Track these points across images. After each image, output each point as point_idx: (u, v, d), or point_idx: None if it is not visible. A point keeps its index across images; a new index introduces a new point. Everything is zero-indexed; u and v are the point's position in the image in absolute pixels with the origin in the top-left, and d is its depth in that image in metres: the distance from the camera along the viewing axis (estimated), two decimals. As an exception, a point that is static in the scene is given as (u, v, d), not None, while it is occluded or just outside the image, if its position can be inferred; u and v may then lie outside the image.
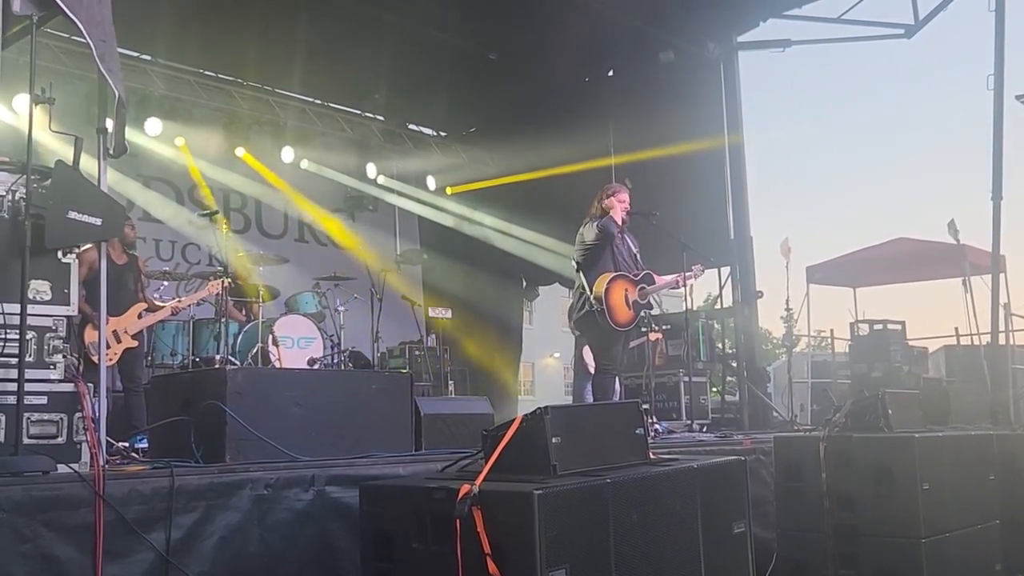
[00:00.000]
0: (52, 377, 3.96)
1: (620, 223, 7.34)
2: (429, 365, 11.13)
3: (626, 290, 7.12)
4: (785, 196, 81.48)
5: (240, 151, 12.17)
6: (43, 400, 3.87)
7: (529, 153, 13.14)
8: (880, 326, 10.86)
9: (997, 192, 8.31)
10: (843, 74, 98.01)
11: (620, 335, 7.26)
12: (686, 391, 9.93)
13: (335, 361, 9.36)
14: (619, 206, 7.34)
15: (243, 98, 12.24)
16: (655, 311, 8.41)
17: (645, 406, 8.25)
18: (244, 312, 9.41)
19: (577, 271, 7.38)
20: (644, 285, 7.24)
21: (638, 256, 7.45)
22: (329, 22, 10.55)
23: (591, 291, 7.12)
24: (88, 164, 4.36)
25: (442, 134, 14.84)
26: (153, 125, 10.99)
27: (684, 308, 8.62)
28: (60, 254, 4.04)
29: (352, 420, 5.10)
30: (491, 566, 3.15)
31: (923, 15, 10.54)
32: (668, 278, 7.54)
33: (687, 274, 7.52)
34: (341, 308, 9.92)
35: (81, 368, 5.32)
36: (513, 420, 3.69)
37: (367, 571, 3.74)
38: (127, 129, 4.52)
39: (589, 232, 7.28)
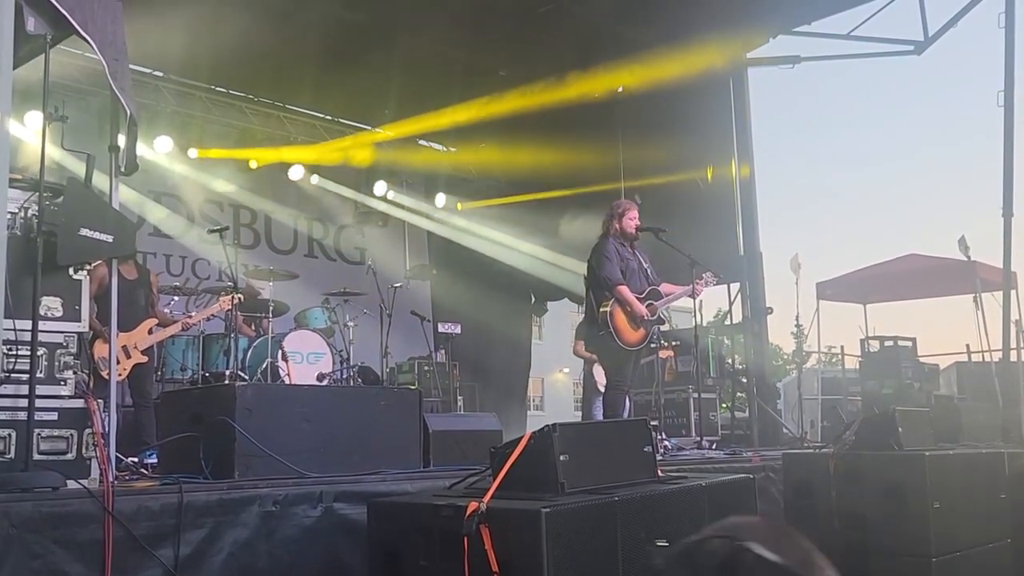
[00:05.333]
0: (62, 393, 3.99)
1: (629, 239, 7.35)
2: (438, 380, 11.12)
3: (631, 309, 7.09)
4: (795, 212, 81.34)
5: (251, 165, 12.21)
6: (53, 416, 3.90)
7: (538, 168, 13.17)
8: (891, 342, 10.81)
9: (1008, 209, 8.31)
10: (853, 90, 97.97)
11: (631, 354, 7.24)
12: (695, 407, 9.90)
13: (344, 376, 9.36)
14: (629, 223, 7.35)
15: (254, 114, 12.31)
16: (665, 327, 8.40)
17: (654, 422, 8.29)
18: (254, 327, 9.44)
19: (587, 290, 7.37)
20: (652, 301, 7.22)
21: (649, 271, 7.45)
22: (339, 38, 10.60)
23: (598, 313, 7.13)
24: (100, 181, 4.40)
25: (452, 150, 14.88)
26: (164, 141, 11.04)
27: (694, 324, 8.61)
28: (72, 271, 4.07)
29: (361, 436, 5.11)
30: (498, 584, 3.15)
31: (933, 31, 10.54)
32: (678, 289, 7.52)
33: (698, 282, 7.50)
34: (350, 323, 9.93)
35: (91, 384, 5.34)
36: (521, 437, 3.69)
37: (375, 588, 3.75)
38: (138, 145, 4.55)
39: (595, 253, 7.30)
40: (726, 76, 11.28)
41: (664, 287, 7.45)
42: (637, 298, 7.13)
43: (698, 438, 8.63)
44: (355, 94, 12.40)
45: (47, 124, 4.04)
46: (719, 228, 10.91)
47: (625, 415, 7.48)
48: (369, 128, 13.60)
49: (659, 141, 11.32)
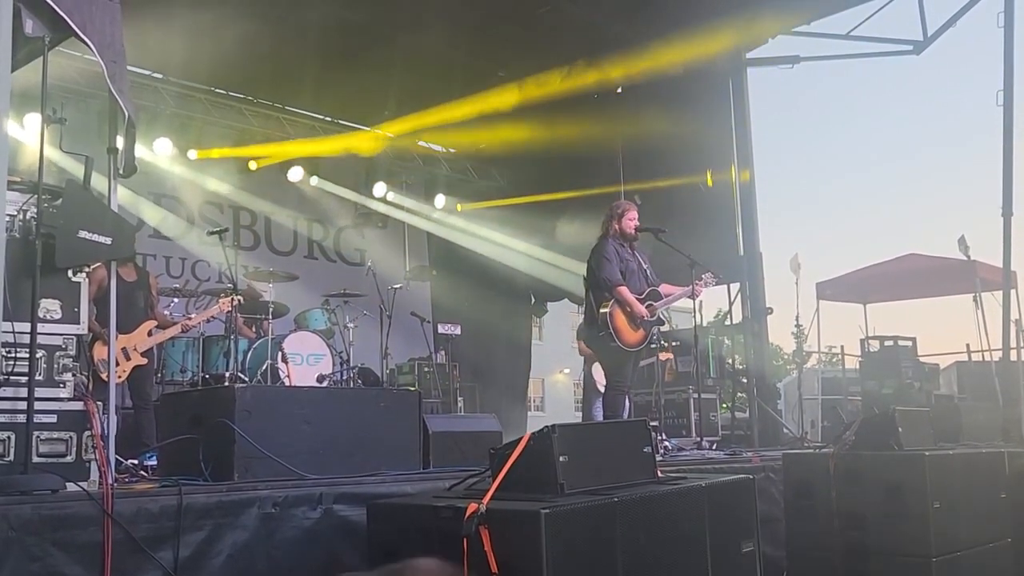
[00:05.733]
0: (62, 395, 3.97)
1: (628, 240, 7.35)
2: (438, 381, 11.12)
3: (631, 309, 7.09)
4: (795, 212, 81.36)
5: (250, 167, 12.21)
6: (52, 419, 3.89)
7: (537, 168, 13.18)
8: (891, 342, 10.81)
9: (1008, 208, 8.31)
10: (852, 90, 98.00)
11: (631, 354, 7.23)
12: (696, 408, 9.90)
13: (344, 378, 9.36)
14: (628, 224, 7.35)
15: (253, 115, 12.31)
16: (664, 327, 8.39)
17: (654, 423, 8.28)
18: (254, 329, 9.44)
19: (587, 291, 7.36)
20: (651, 302, 7.22)
21: (648, 272, 7.44)
22: (339, 39, 10.60)
23: (598, 314, 7.12)
24: (100, 183, 4.40)
25: (451, 151, 14.88)
26: (163, 143, 11.05)
27: (693, 325, 8.60)
28: (70, 273, 4.07)
29: (360, 438, 5.11)
30: (498, 585, 3.15)
31: (932, 31, 10.54)
32: (678, 290, 7.51)
33: (698, 283, 7.49)
34: (350, 325, 9.93)
35: (90, 386, 5.33)
36: (521, 438, 3.69)
37: (374, 590, 3.74)
38: (137, 146, 4.54)
39: (595, 254, 7.30)
40: (725, 77, 11.29)
41: (664, 288, 7.45)
42: (636, 299, 7.13)
43: (698, 438, 8.63)
44: (354, 95, 12.41)
45: (45, 126, 4.04)
46: (719, 228, 10.90)
47: (625, 416, 7.48)
48: (368, 129, 13.59)
49: (659, 144, 11.31)
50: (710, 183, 11.01)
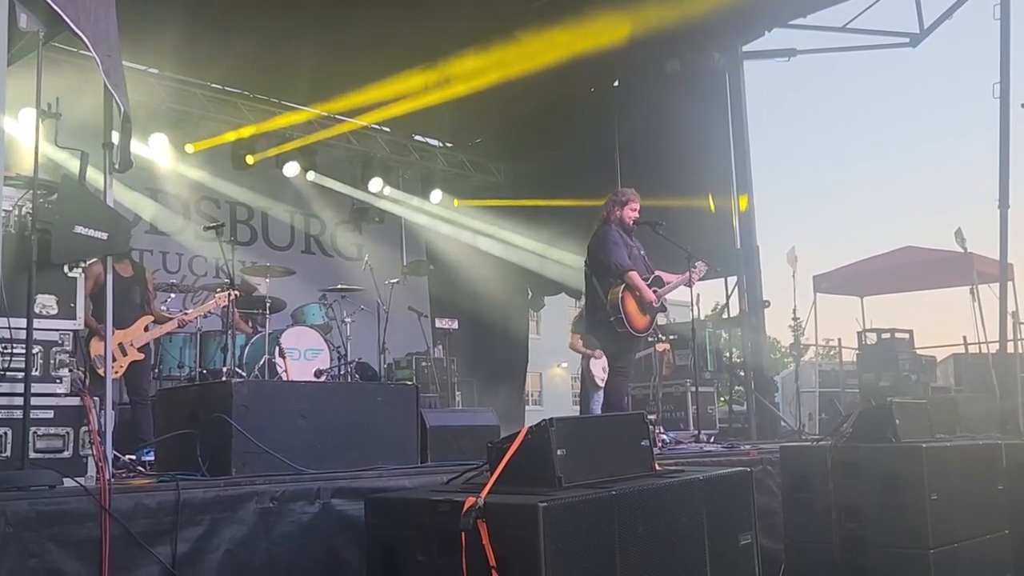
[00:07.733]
0: (58, 391, 3.97)
1: (627, 230, 7.35)
2: (436, 376, 11.12)
3: (640, 294, 7.09)
4: (791, 205, 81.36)
5: (247, 162, 12.18)
6: (49, 414, 3.88)
7: (535, 164, 13.17)
8: (888, 335, 10.82)
9: (1004, 200, 8.31)
10: (849, 84, 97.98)
11: (637, 340, 7.25)
12: (693, 401, 9.92)
13: (342, 372, 9.36)
14: (629, 214, 7.35)
15: (250, 110, 12.29)
16: (663, 321, 8.40)
17: (652, 416, 8.29)
18: (251, 324, 9.43)
19: (589, 279, 7.32)
20: (656, 288, 7.21)
21: (646, 259, 7.45)
22: (335, 34, 10.59)
23: (607, 299, 7.08)
24: (95, 178, 4.38)
25: (448, 145, 14.86)
26: (159, 138, 11.02)
27: (691, 318, 8.61)
28: (66, 268, 4.06)
29: (358, 432, 5.10)
30: (496, 579, 3.15)
31: (928, 24, 10.55)
32: (676, 278, 7.50)
33: (693, 271, 7.47)
34: (348, 319, 9.93)
35: (87, 382, 5.33)
36: (518, 432, 3.69)
37: (372, 584, 3.74)
38: (134, 142, 4.53)
39: (600, 239, 7.27)
40: (722, 72, 11.27)
41: (660, 275, 7.45)
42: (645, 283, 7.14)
43: (696, 432, 8.65)
44: (351, 90, 12.38)
45: (41, 121, 4.02)
46: (717, 222, 10.91)
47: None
48: (364, 124, 13.57)
49: (658, 151, 11.32)
50: (712, 208, 10.98)
